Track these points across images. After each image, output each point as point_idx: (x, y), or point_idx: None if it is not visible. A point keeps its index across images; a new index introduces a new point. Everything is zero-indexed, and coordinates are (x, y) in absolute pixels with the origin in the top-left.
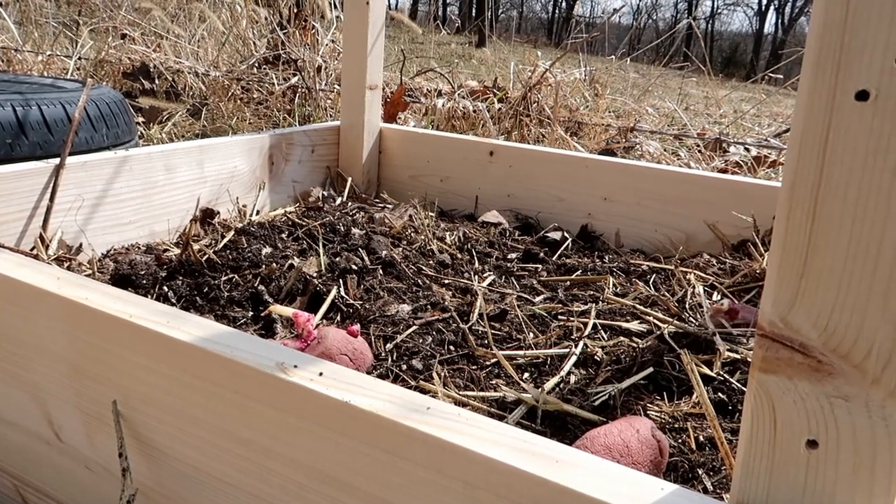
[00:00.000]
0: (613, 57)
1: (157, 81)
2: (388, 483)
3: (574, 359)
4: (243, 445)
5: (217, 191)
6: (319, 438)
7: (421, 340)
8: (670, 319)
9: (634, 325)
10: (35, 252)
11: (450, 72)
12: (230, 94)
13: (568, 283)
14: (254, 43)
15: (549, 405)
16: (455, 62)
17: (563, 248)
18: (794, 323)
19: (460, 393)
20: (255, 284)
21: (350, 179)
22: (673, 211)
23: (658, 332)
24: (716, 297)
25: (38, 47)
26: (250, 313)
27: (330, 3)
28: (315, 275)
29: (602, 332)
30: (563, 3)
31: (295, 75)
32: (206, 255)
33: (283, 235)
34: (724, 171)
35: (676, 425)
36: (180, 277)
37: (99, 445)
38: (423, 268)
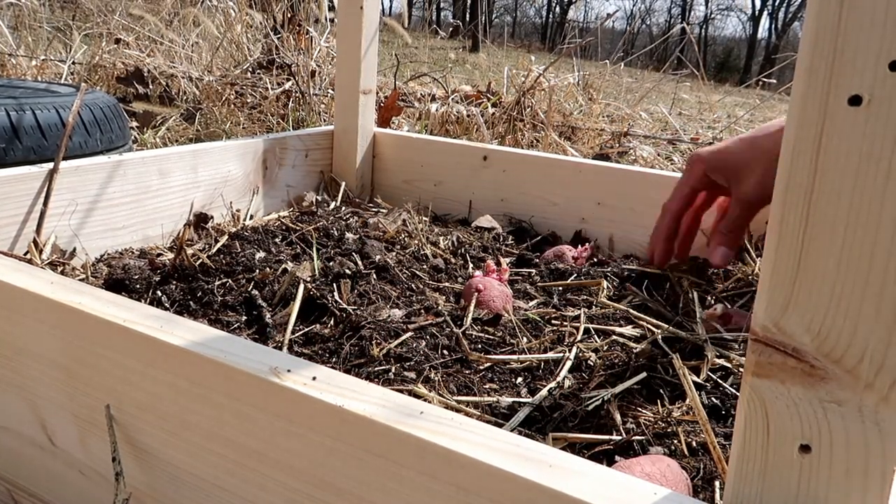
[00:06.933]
0: (607, 62)
1: (150, 86)
2: (381, 488)
3: (569, 364)
4: (237, 450)
5: (211, 195)
6: (313, 443)
7: (414, 345)
8: (664, 324)
9: (628, 330)
10: (29, 256)
11: (444, 76)
12: (224, 98)
13: (561, 287)
14: (248, 48)
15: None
16: (449, 67)
17: None
18: (787, 328)
19: (454, 398)
20: (249, 289)
21: (344, 184)
22: None
23: (651, 337)
24: (709, 301)
25: (31, 52)
26: (244, 318)
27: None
28: (309, 279)
29: (595, 336)
30: (557, 8)
31: (289, 80)
32: (200, 260)
33: (277, 240)
34: None
35: (669, 430)
36: (174, 282)
37: (92, 450)
38: (417, 272)
